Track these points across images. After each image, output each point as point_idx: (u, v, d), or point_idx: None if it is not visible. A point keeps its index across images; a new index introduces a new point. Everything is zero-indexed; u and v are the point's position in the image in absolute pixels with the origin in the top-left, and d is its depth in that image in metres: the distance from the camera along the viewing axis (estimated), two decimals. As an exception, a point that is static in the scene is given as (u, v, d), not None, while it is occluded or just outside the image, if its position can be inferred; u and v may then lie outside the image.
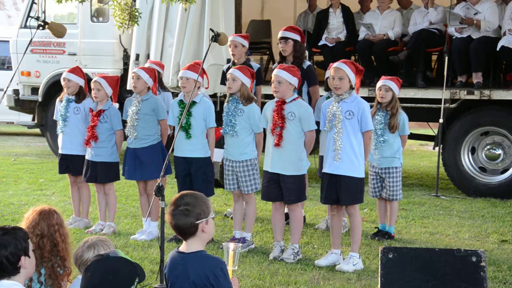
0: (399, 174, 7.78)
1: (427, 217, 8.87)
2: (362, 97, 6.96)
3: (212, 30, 7.06)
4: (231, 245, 4.24)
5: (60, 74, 8.53)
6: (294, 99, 6.89)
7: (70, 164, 8.22)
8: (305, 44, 9.01)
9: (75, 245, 4.66)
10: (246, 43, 8.45)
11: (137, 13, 8.22)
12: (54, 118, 8.43)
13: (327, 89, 7.95)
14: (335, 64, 6.77)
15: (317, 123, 7.00)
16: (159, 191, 5.67)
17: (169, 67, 10.82)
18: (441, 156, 10.37)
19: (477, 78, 10.27)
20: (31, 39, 8.51)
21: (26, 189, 10.24)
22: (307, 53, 9.53)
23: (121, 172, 8.07)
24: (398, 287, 4.44)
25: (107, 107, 7.95)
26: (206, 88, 8.51)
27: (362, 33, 11.27)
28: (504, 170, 10.22)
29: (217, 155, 8.35)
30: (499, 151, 10.25)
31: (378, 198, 7.92)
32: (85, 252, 4.28)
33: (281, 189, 6.96)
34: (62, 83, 8.19)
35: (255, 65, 8.56)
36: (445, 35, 10.71)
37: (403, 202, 9.15)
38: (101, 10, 12.64)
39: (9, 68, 15.52)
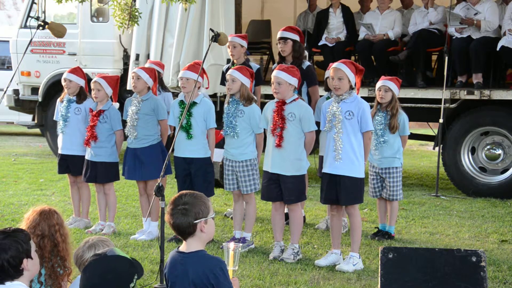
0: (399, 174, 7.79)
1: (427, 217, 8.87)
2: (362, 97, 6.96)
3: (212, 30, 7.06)
4: (231, 245, 4.24)
5: (60, 74, 8.53)
6: (294, 100, 6.89)
7: (70, 164, 8.22)
8: (304, 44, 9.02)
9: (75, 245, 4.67)
10: (244, 43, 8.45)
11: (137, 13, 8.22)
12: (54, 118, 8.43)
13: (327, 89, 7.95)
14: (335, 65, 6.77)
15: (317, 124, 7.00)
16: (159, 191, 5.67)
17: (169, 67, 10.82)
18: (441, 156, 10.37)
19: (477, 78, 10.27)
20: (31, 39, 8.51)
21: (26, 189, 10.24)
22: (306, 53, 9.53)
23: (121, 172, 8.07)
24: (398, 287, 4.44)
25: (107, 107, 7.95)
26: (207, 88, 8.51)
27: (362, 33, 11.27)
28: (504, 170, 10.22)
29: (217, 155, 8.36)
30: (499, 151, 10.25)
31: (378, 198, 7.92)
32: (85, 252, 4.28)
33: (281, 189, 6.97)
34: (63, 83, 8.20)
35: (254, 65, 8.55)
36: (445, 35, 10.72)
37: (403, 202, 9.15)
38: (101, 10, 12.64)
39: (9, 68, 15.53)
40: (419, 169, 12.92)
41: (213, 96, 10.70)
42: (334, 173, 6.69)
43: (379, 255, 4.51)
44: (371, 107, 7.37)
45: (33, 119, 13.54)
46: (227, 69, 8.40)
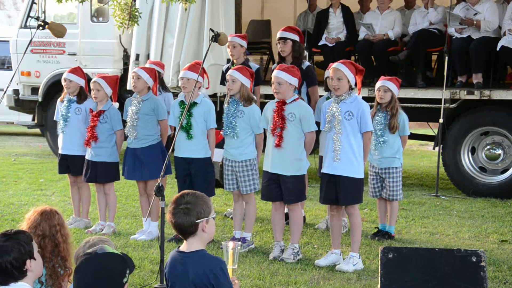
0: (399, 174, 7.79)
1: (427, 217, 8.87)
2: (362, 97, 6.96)
3: (212, 30, 7.06)
4: (230, 244, 4.25)
5: (60, 74, 8.53)
6: (294, 100, 6.89)
7: (70, 164, 8.22)
8: (304, 44, 9.01)
9: (75, 245, 4.67)
10: (244, 43, 8.44)
11: (137, 13, 8.21)
12: (54, 118, 8.43)
13: (327, 89, 7.96)
14: (334, 65, 6.77)
15: (317, 124, 7.00)
16: (159, 191, 5.67)
17: (169, 67, 10.82)
18: (441, 156, 10.38)
19: (477, 78, 10.27)
20: (31, 39, 8.51)
21: (26, 189, 10.24)
22: (306, 53, 9.53)
23: (121, 172, 8.07)
24: (398, 287, 4.44)
25: (107, 107, 7.95)
26: (207, 88, 8.51)
27: (362, 33, 11.27)
28: (504, 170, 10.22)
29: (217, 155, 8.35)
30: (499, 151, 10.25)
31: (378, 198, 7.92)
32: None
33: (281, 189, 6.97)
34: (63, 83, 8.20)
35: (254, 65, 8.55)
36: (445, 35, 10.72)
37: (403, 202, 9.15)
38: (101, 10, 12.64)
39: (9, 68, 15.53)
40: (419, 169, 12.92)
41: (213, 96, 10.70)
42: (333, 173, 6.69)
43: (379, 255, 4.51)
44: (371, 107, 7.37)
45: (33, 119, 13.54)
46: (227, 69, 8.41)
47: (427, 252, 4.58)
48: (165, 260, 4.53)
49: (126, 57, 12.35)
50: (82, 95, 8.17)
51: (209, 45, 7.44)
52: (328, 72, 7.13)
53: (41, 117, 13.14)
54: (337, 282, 6.30)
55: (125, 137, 7.99)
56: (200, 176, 7.50)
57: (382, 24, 11.21)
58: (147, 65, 8.81)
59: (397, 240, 7.76)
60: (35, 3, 12.83)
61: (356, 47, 11.29)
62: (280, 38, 8.11)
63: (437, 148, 10.38)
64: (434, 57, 11.54)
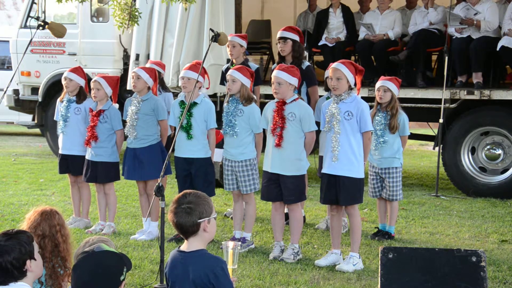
0: (399, 174, 7.79)
1: (427, 217, 8.87)
2: (362, 97, 6.96)
3: (212, 30, 7.05)
4: (230, 244, 4.25)
5: (60, 74, 8.53)
6: (294, 100, 6.90)
7: (70, 164, 8.22)
8: (304, 44, 9.01)
9: (75, 245, 4.67)
10: (244, 43, 8.44)
11: (137, 13, 8.21)
12: (54, 118, 8.43)
13: (327, 89, 7.95)
14: (333, 65, 6.77)
15: (317, 124, 7.01)
16: (159, 191, 5.67)
17: (169, 67, 10.82)
18: (441, 156, 10.38)
19: (477, 78, 10.27)
20: (31, 39, 8.50)
21: (26, 189, 10.24)
22: (306, 53, 9.53)
23: (121, 172, 8.07)
24: (398, 287, 4.44)
25: (107, 107, 7.95)
26: (207, 88, 8.51)
27: (362, 33, 11.27)
28: (504, 170, 10.23)
29: (217, 155, 8.35)
30: (499, 151, 10.25)
31: (378, 198, 7.92)
32: (86, 252, 4.28)
33: (281, 189, 6.97)
34: (63, 82, 8.20)
35: (253, 65, 8.54)
36: (445, 35, 10.72)
37: (403, 202, 9.15)
38: (101, 10, 12.65)
39: (9, 68, 15.53)
40: (419, 169, 12.92)
41: (213, 96, 10.70)
42: (333, 174, 6.69)
43: (379, 255, 4.51)
44: (371, 107, 7.37)
45: (33, 119, 13.54)
46: (226, 69, 8.41)
47: (427, 252, 4.58)
48: (165, 260, 4.54)
49: (126, 57, 12.35)
50: (81, 95, 8.17)
51: (209, 45, 7.44)
52: (328, 72, 7.12)
53: (41, 117, 13.14)
54: (337, 282, 6.30)
55: (125, 137, 7.99)
56: (201, 176, 7.50)
57: (382, 24, 11.21)
58: (147, 65, 8.81)
59: (397, 240, 7.76)
60: (35, 3, 12.83)
61: (356, 47, 11.29)
62: (280, 38, 8.11)
63: (437, 148, 10.39)
64: (434, 57, 11.54)
